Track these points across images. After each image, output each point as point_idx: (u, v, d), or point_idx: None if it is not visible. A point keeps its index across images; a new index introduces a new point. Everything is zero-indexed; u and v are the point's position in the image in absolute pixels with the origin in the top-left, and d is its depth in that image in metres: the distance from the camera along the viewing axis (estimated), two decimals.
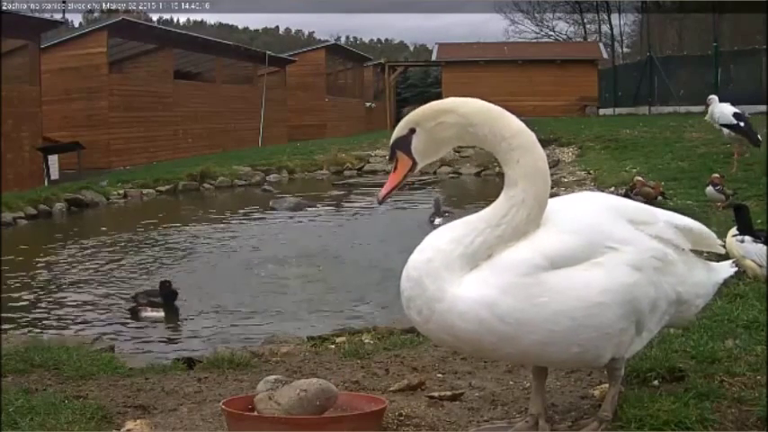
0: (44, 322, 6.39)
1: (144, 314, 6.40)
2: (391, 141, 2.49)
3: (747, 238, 4.58)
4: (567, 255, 2.37)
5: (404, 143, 2.46)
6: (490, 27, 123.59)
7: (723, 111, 9.89)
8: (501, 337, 2.31)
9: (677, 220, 2.68)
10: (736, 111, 9.87)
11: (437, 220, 9.71)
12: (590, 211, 2.55)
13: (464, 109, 2.41)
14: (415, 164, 2.47)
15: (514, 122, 2.41)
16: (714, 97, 10.43)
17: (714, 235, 2.79)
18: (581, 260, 2.38)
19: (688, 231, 2.67)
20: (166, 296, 6.55)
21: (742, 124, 9.70)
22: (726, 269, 2.85)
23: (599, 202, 2.67)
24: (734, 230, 4.70)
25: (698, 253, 2.76)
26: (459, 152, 19.62)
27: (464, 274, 2.33)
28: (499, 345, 2.33)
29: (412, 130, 2.45)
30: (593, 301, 2.34)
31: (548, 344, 2.33)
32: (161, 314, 6.41)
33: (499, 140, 2.39)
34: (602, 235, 2.45)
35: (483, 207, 2.46)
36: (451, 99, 2.46)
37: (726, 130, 9.91)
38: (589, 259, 2.39)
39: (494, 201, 2.44)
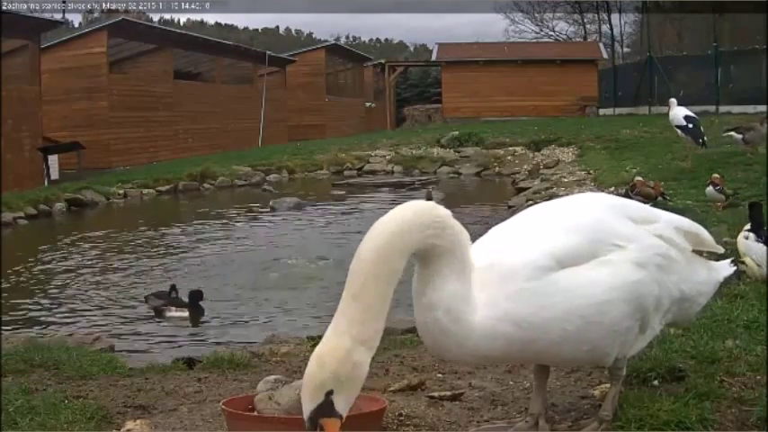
0: (44, 322, 6.40)
1: (169, 314, 6.53)
2: (308, 415, 2.03)
3: (752, 235, 4.59)
4: (574, 253, 2.37)
5: (326, 409, 2.04)
6: (492, 28, 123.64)
7: (677, 114, 11.05)
8: (522, 343, 2.32)
9: (677, 222, 2.69)
10: (688, 114, 10.99)
11: None
12: (593, 210, 2.56)
13: (358, 341, 2.05)
14: (342, 417, 2.07)
15: (394, 260, 2.12)
16: (673, 101, 11.53)
17: (711, 237, 2.80)
18: (587, 258, 2.39)
19: (687, 233, 2.68)
20: (192, 297, 6.66)
21: (690, 126, 10.81)
22: (725, 268, 2.86)
23: (601, 202, 2.69)
24: (747, 227, 4.71)
25: (698, 252, 2.76)
26: (459, 152, 19.65)
27: (474, 296, 2.29)
28: (522, 348, 2.35)
29: (329, 393, 2.04)
30: (601, 299, 2.35)
31: (561, 343, 2.34)
32: (186, 314, 6.53)
33: (396, 275, 2.12)
34: (606, 233, 2.46)
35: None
36: (331, 346, 2.03)
37: (679, 131, 11.06)
38: (595, 257, 2.40)
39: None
